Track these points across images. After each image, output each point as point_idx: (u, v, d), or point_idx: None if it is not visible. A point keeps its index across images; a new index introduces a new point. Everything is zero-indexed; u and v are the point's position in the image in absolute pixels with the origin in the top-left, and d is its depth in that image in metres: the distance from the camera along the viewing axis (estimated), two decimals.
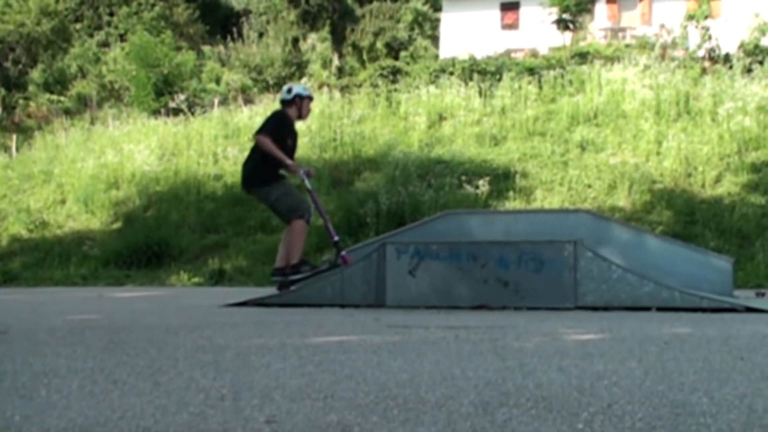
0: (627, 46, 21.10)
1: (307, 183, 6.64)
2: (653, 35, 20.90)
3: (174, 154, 18.04)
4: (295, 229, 6.43)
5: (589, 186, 13.60)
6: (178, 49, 28.09)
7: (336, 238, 6.58)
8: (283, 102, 6.68)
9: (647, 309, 5.82)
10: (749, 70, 16.64)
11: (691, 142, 14.04)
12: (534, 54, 23.72)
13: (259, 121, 18.20)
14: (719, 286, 7.11)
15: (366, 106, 18.60)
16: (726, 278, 7.31)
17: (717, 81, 16.21)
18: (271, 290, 8.17)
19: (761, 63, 16.67)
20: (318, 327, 4.46)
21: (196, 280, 12.78)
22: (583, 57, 18.97)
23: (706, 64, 17.79)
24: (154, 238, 14.10)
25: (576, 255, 6.02)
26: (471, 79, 18.33)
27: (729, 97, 15.15)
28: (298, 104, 6.62)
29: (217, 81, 28.37)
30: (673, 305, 5.82)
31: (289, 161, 6.40)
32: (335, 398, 2.11)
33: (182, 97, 21.31)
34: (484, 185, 13.62)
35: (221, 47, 34.28)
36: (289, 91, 6.72)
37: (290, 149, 6.57)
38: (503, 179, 14.16)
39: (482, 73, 18.66)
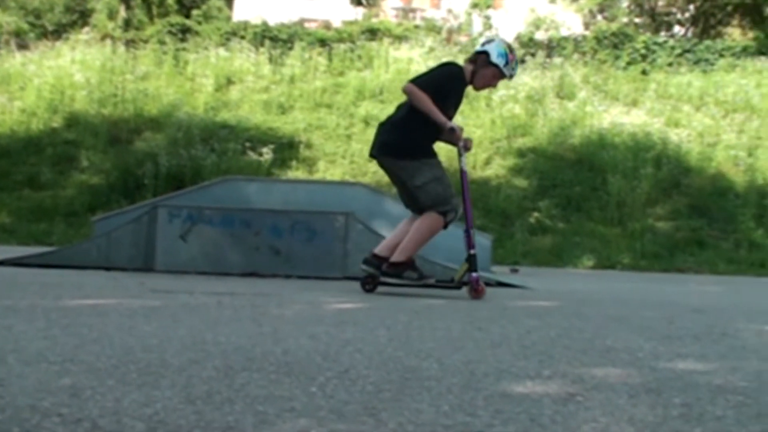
0: (416, 27, 21.79)
1: (463, 160, 4.97)
2: (441, 19, 21.74)
3: None
4: (429, 225, 4.80)
5: (371, 160, 13.96)
6: None
7: (473, 251, 4.88)
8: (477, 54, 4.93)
9: None
10: (522, 61, 17.76)
11: (466, 125, 14.75)
12: (327, 26, 23.85)
13: (33, 69, 17.09)
14: (479, 261, 7.58)
15: (151, 63, 17.90)
16: (485, 254, 7.84)
17: None
18: (34, 249, 7.72)
19: (533, 55, 17.86)
20: (76, 289, 4.30)
21: None
22: (373, 33, 19.34)
23: None
24: None
25: (347, 227, 6.22)
26: (262, 45, 18.17)
27: (503, 85, 16.08)
28: (480, 68, 4.86)
29: None
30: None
31: (451, 123, 4.70)
32: (74, 362, 2.07)
33: None
34: (268, 153, 13.61)
35: None
36: (486, 43, 4.95)
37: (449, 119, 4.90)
38: (288, 148, 14.22)
39: (274, 39, 18.55)
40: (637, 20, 23.22)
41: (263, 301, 3.97)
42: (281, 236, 6.22)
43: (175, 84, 17.06)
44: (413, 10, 31.11)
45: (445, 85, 4.76)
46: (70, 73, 16.66)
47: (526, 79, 16.46)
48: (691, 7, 23.35)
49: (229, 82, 17.19)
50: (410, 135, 4.74)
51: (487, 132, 14.67)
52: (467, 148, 4.93)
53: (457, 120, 14.16)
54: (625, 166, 13.35)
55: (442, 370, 2.20)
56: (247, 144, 14.01)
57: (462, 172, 4.93)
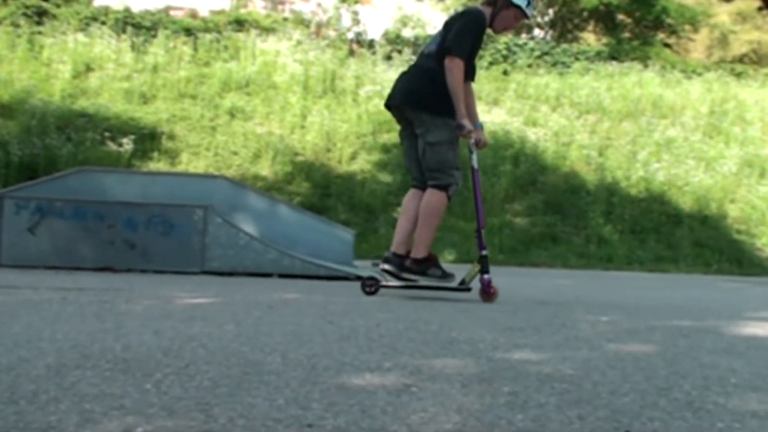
0: (285, 19, 21.64)
1: (474, 158, 4.75)
2: (310, 12, 21.68)
3: None
4: (433, 205, 4.57)
5: (235, 153, 13.80)
6: None
7: (485, 252, 4.68)
8: None
9: (270, 275, 6.12)
10: (389, 58, 18.01)
11: (333, 119, 14.87)
12: (194, 15, 23.33)
13: None
14: (342, 256, 7.69)
15: (4, 46, 16.92)
16: (348, 248, 7.91)
17: (360, 64, 17.33)
18: None
19: (400, 52, 18.12)
20: None
21: None
22: (240, 24, 19.06)
23: (354, 46, 18.90)
24: None
25: (206, 220, 6.14)
26: (124, 31, 17.58)
27: (370, 81, 16.29)
28: (500, 10, 4.72)
29: None
30: (293, 272, 6.18)
31: (465, 120, 4.50)
32: None
33: None
34: (128, 144, 13.19)
35: None
36: None
37: (469, 75, 4.76)
38: (149, 139, 13.81)
39: (137, 27, 17.97)
40: None
41: (112, 297, 3.86)
42: (137, 229, 6.07)
43: (30, 69, 16.22)
44: (282, 3, 30.88)
45: (476, 40, 4.69)
46: None
47: (393, 75, 16.66)
48: (550, 11, 24.30)
49: (88, 69, 16.51)
50: (439, 88, 4.50)
51: (353, 127, 14.77)
52: (477, 146, 4.72)
53: (323, 115, 14.17)
54: (486, 163, 13.74)
55: (285, 364, 2.22)
56: (107, 134, 13.52)
57: (473, 170, 4.75)
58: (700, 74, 19.85)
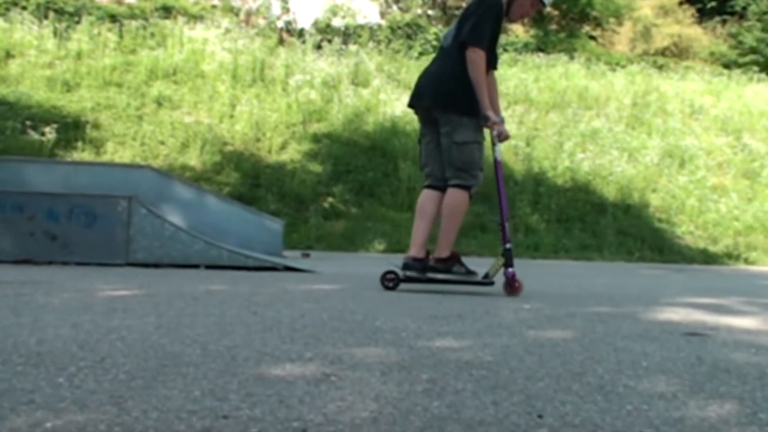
0: (213, 6, 21.33)
1: (497, 150, 4.74)
2: (239, 0, 21.42)
3: None
4: (457, 204, 4.58)
5: (163, 143, 13.57)
6: None
7: (509, 245, 4.63)
8: None
9: (197, 266, 6.05)
10: (319, 47, 17.94)
11: (262, 108, 14.74)
12: (119, 1, 22.82)
13: None
14: (271, 246, 7.67)
15: None
16: (277, 239, 7.89)
17: (290, 53, 17.22)
18: None
19: (330, 42, 18.07)
20: None
21: None
22: (168, 11, 18.73)
23: (284, 35, 18.76)
24: None
25: (130, 211, 6.03)
26: (46, 17, 17.08)
27: (299, 70, 16.20)
28: None
29: None
30: (221, 263, 6.13)
31: (490, 112, 4.54)
32: None
33: None
34: (51, 133, 12.84)
35: None
36: None
37: (491, 63, 4.74)
38: (73, 128, 13.46)
39: (59, 12, 17.49)
40: (429, 12, 24.11)
41: (30, 290, 3.77)
42: (58, 221, 5.92)
43: None
44: None
45: (495, 29, 4.62)
46: None
47: (323, 65, 16.63)
48: None
49: (8, 55, 15.98)
50: (465, 87, 4.50)
51: (283, 116, 14.67)
52: (500, 138, 4.66)
53: (253, 104, 14.03)
54: (416, 153, 13.79)
55: (204, 355, 2.20)
56: (28, 122, 13.14)
57: (496, 162, 4.74)
58: (623, 66, 20.34)
